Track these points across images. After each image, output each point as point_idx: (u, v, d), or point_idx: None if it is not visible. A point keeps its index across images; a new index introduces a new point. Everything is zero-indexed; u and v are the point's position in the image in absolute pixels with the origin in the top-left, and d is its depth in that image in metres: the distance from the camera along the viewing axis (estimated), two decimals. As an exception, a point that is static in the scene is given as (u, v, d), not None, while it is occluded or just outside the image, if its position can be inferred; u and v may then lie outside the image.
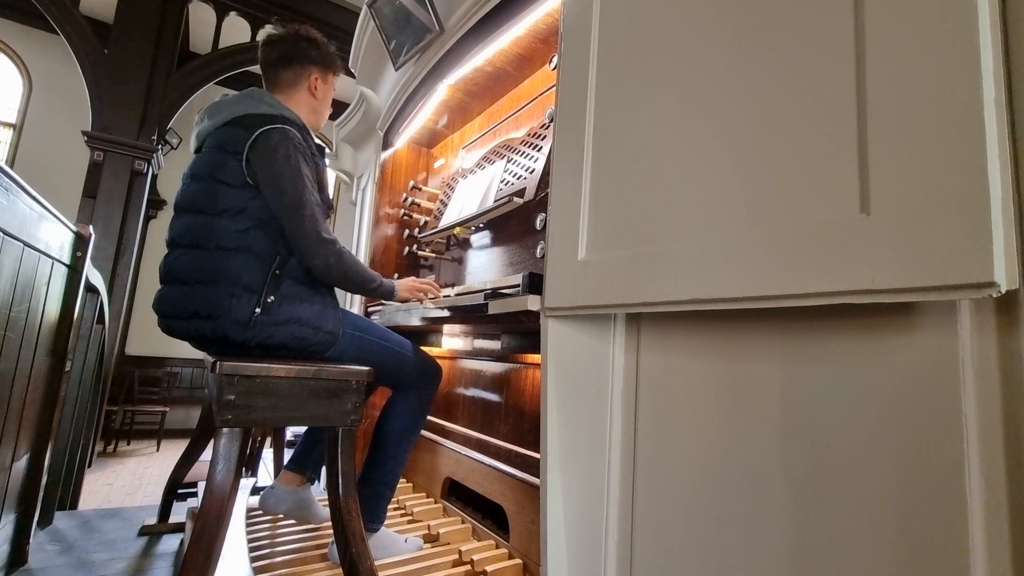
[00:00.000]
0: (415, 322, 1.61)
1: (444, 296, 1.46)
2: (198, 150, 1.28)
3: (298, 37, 1.36)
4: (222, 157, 1.19)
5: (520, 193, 1.57)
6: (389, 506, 1.45)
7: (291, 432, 3.90)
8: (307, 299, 1.23)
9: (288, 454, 2.07)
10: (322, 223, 1.21)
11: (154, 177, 5.10)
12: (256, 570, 1.26)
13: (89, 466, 3.98)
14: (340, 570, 1.15)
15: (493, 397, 1.70)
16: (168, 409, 5.70)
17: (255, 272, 1.16)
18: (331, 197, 1.38)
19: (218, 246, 1.15)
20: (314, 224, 1.18)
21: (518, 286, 1.11)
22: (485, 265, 1.86)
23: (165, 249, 1.25)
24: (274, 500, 1.47)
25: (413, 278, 1.53)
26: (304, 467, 1.51)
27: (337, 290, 1.34)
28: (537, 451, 1.36)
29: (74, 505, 2.44)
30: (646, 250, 0.82)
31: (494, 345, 1.68)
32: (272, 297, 1.17)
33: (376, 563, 1.15)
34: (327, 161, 3.34)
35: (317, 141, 1.33)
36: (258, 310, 1.15)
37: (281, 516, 1.63)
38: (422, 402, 1.47)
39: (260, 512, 1.66)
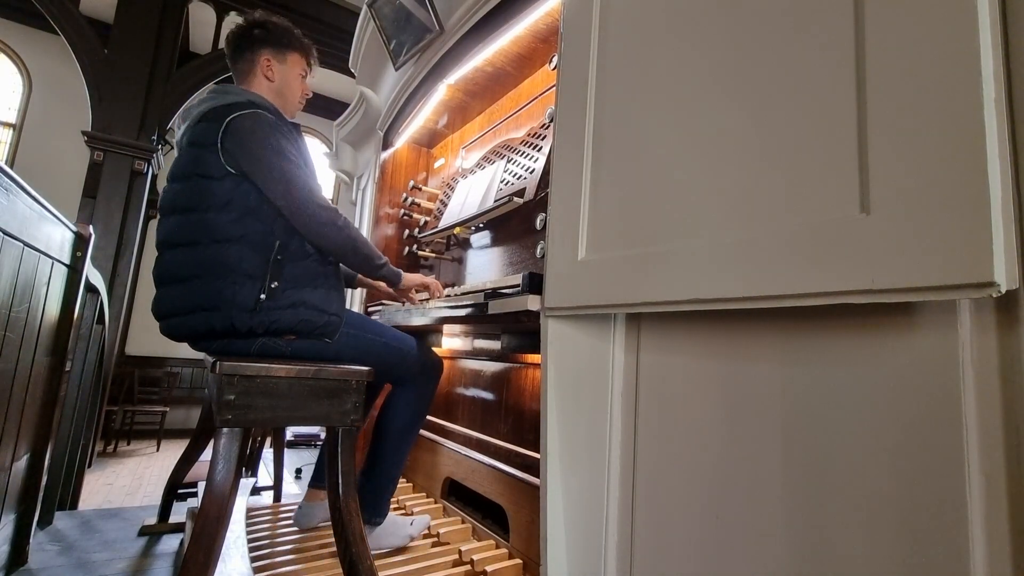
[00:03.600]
0: (415, 322, 1.61)
1: (444, 296, 1.46)
2: (178, 152, 1.27)
3: (249, 25, 1.33)
4: (198, 152, 1.18)
5: (520, 193, 1.57)
6: (391, 506, 1.46)
7: (291, 432, 3.91)
8: (310, 283, 1.22)
9: (289, 455, 2.07)
10: (318, 193, 1.19)
11: (154, 177, 5.09)
12: (256, 570, 1.26)
13: (89, 466, 3.98)
14: (340, 568, 1.15)
15: (493, 397, 1.70)
16: (168, 409, 5.70)
17: (253, 260, 1.15)
18: (315, 172, 1.31)
19: (213, 240, 1.15)
20: (310, 195, 1.17)
21: (518, 286, 1.11)
22: (485, 265, 1.86)
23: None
24: (305, 517, 1.50)
25: (420, 274, 1.53)
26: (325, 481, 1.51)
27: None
28: (537, 451, 1.36)
29: (74, 505, 2.44)
30: (646, 250, 0.82)
31: (494, 345, 1.68)
32: (276, 283, 1.16)
33: (375, 560, 1.15)
34: (327, 159, 3.34)
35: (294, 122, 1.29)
36: (263, 296, 1.14)
37: (280, 515, 1.64)
38: (423, 397, 1.46)
39: (260, 512, 1.66)
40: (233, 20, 5.17)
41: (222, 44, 5.11)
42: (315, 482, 1.53)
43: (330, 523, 1.51)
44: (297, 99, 1.40)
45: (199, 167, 1.17)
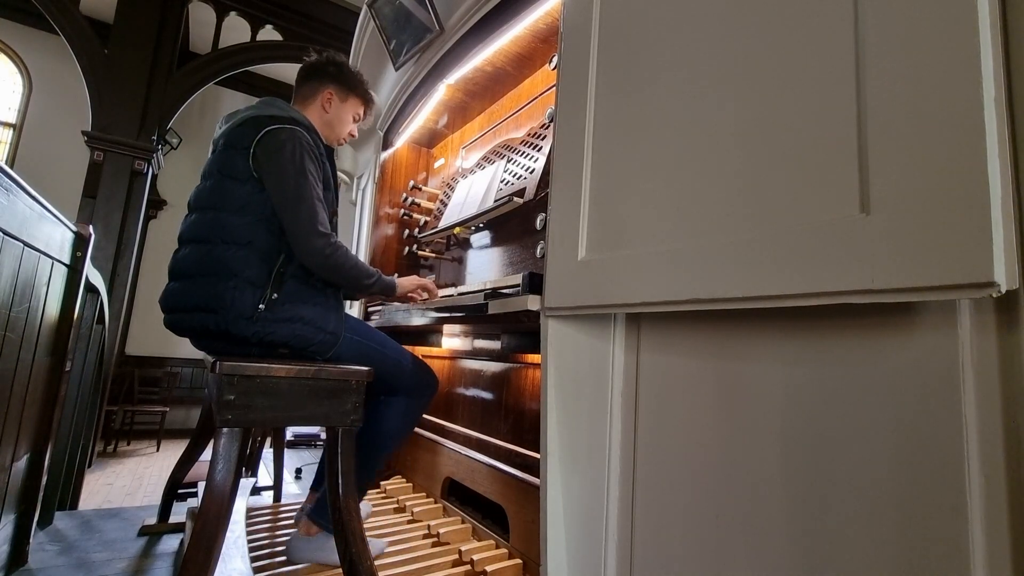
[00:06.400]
0: (415, 322, 1.61)
1: (444, 296, 1.46)
2: (213, 152, 1.30)
3: (326, 61, 1.44)
4: (231, 154, 1.22)
5: (520, 193, 1.57)
6: (388, 504, 1.45)
7: (291, 432, 3.90)
8: (310, 299, 1.23)
9: (289, 454, 2.07)
10: (320, 217, 1.21)
11: (154, 177, 5.09)
12: (256, 570, 1.26)
13: (89, 466, 3.98)
14: (340, 569, 1.15)
15: (493, 397, 1.70)
16: (168, 409, 5.70)
17: (258, 268, 1.17)
18: (338, 199, 1.39)
19: (223, 240, 1.17)
20: (311, 216, 1.19)
21: (518, 286, 1.11)
22: (485, 265, 1.86)
23: (166, 249, 1.27)
24: (295, 551, 1.32)
25: (415, 276, 1.53)
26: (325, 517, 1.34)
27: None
28: (537, 451, 1.36)
29: (74, 505, 2.44)
30: (646, 250, 0.82)
31: (494, 345, 1.67)
32: (276, 294, 1.18)
33: (374, 562, 1.15)
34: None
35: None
36: (262, 306, 1.15)
37: (280, 515, 1.63)
38: (412, 411, 1.44)
39: (260, 512, 1.66)
40: (233, 20, 5.18)
41: (223, 44, 5.13)
42: (314, 515, 1.34)
43: (291, 522, 1.51)
44: (343, 135, 1.48)
45: (227, 167, 1.21)
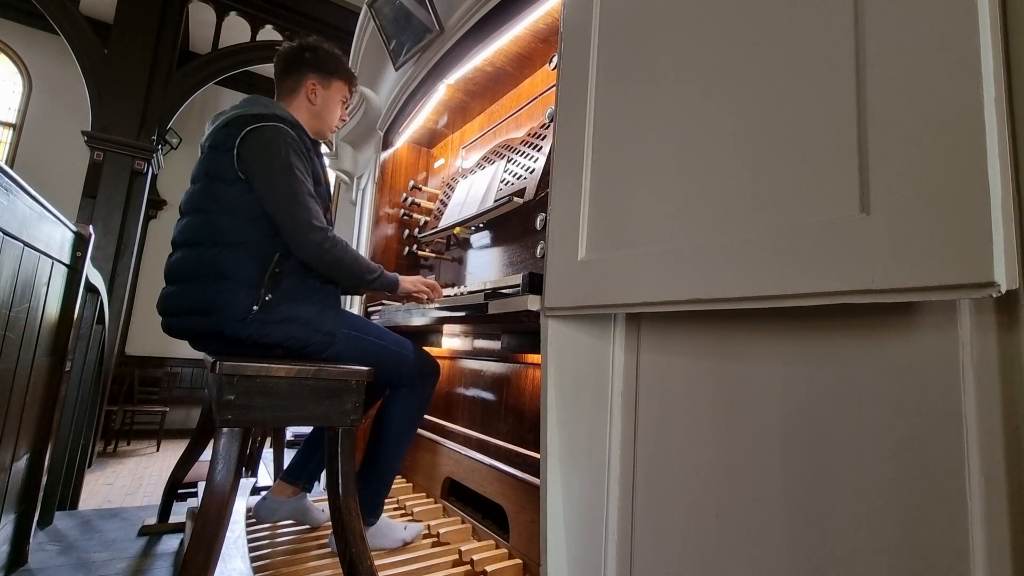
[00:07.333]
0: (415, 322, 1.61)
1: (444, 296, 1.46)
2: (201, 154, 1.30)
3: (300, 47, 1.40)
4: (216, 156, 1.21)
5: (520, 193, 1.57)
6: (388, 504, 1.46)
7: (291, 432, 3.90)
8: (306, 299, 1.23)
9: (288, 454, 2.07)
10: (314, 212, 1.20)
11: (154, 177, 5.09)
12: (256, 570, 1.26)
13: (89, 466, 3.98)
14: (340, 568, 1.15)
15: (493, 397, 1.70)
16: (168, 409, 5.70)
17: (251, 268, 1.16)
18: (330, 193, 1.38)
19: (215, 243, 1.17)
20: (305, 213, 1.18)
21: (518, 286, 1.11)
22: (485, 265, 1.86)
23: (166, 249, 1.27)
24: (267, 511, 1.48)
25: (419, 276, 1.52)
26: (298, 478, 1.51)
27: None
28: (537, 451, 1.35)
29: (74, 505, 2.44)
30: (646, 250, 0.82)
31: (494, 345, 1.67)
32: (270, 295, 1.17)
33: (375, 560, 1.15)
34: (326, 160, 3.33)
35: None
36: (256, 307, 1.15)
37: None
38: (420, 400, 1.47)
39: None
40: (233, 20, 5.18)
41: (223, 44, 5.13)
42: (287, 476, 1.51)
43: (291, 522, 1.53)
44: (335, 123, 1.45)
45: (214, 170, 1.21)
